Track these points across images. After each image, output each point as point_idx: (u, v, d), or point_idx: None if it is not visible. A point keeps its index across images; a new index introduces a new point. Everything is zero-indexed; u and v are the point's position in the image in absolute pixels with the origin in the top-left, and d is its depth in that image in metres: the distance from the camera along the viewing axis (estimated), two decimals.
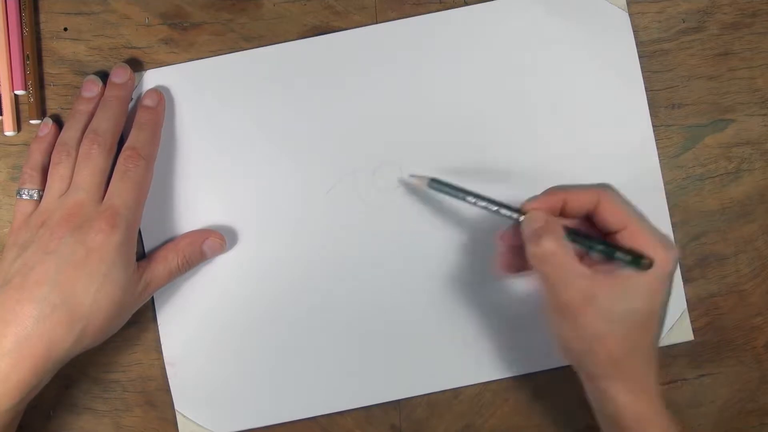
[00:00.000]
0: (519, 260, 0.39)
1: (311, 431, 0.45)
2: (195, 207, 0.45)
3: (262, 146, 0.45)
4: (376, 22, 0.45)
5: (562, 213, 0.38)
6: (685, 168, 0.46)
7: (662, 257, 0.35)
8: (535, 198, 0.38)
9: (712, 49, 0.46)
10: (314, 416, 0.45)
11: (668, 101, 0.46)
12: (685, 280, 0.45)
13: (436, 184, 0.41)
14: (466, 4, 0.46)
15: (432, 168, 0.45)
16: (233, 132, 0.45)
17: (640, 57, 0.45)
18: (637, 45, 0.45)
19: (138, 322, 0.44)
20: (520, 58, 0.45)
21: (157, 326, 0.44)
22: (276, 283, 0.45)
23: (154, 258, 0.42)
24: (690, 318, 0.45)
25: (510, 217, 0.38)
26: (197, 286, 0.44)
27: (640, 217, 0.36)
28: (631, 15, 0.46)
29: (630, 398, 0.36)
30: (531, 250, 0.36)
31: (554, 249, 0.35)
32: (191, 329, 0.44)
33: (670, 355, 0.46)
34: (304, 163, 0.45)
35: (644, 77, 0.46)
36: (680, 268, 0.45)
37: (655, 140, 0.45)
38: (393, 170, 0.45)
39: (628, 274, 0.35)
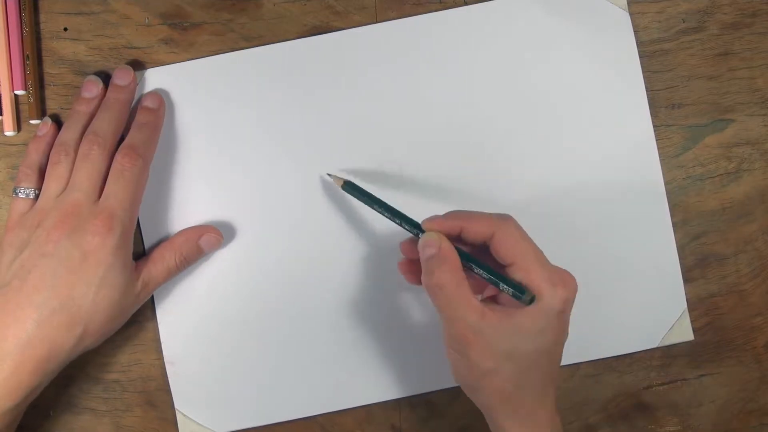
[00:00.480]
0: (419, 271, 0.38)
1: (311, 431, 0.45)
2: (195, 206, 0.45)
3: (261, 145, 0.45)
4: (376, 22, 0.45)
5: (461, 238, 0.37)
6: (685, 168, 0.46)
7: (549, 294, 0.35)
8: (433, 218, 0.38)
9: (712, 49, 0.46)
10: (314, 416, 0.45)
11: (668, 101, 0.46)
12: (685, 280, 0.45)
13: (349, 187, 0.41)
14: (465, 4, 0.46)
15: (432, 168, 0.45)
16: (233, 131, 0.45)
17: (640, 57, 0.45)
18: (637, 45, 0.45)
19: (138, 322, 0.44)
20: (520, 58, 0.45)
21: (157, 326, 0.44)
22: (276, 283, 0.45)
23: (151, 257, 0.42)
24: (690, 318, 0.45)
25: (411, 232, 0.38)
26: (197, 286, 0.44)
27: (534, 253, 0.36)
28: (631, 15, 0.46)
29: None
30: (424, 279, 0.36)
31: (446, 281, 0.35)
32: (191, 329, 0.44)
33: (670, 355, 0.46)
34: (303, 163, 0.45)
35: (644, 77, 0.46)
36: (680, 268, 0.45)
37: (655, 140, 0.45)
38: (393, 170, 0.45)
39: (516, 311, 0.35)
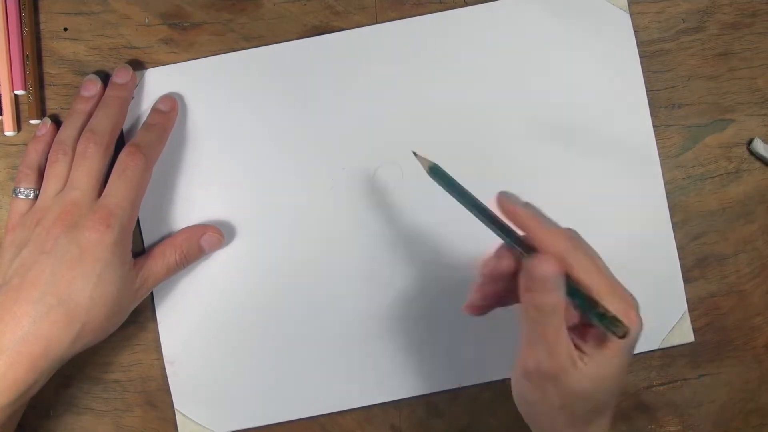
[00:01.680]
0: (495, 295, 0.35)
1: (311, 431, 0.45)
2: (194, 205, 0.45)
3: (261, 145, 0.45)
4: (376, 22, 0.45)
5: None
6: (685, 168, 0.46)
7: (633, 320, 0.32)
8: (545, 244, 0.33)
9: (712, 49, 0.46)
10: (314, 416, 0.45)
11: (668, 101, 0.46)
12: (685, 281, 0.45)
13: (435, 174, 0.36)
14: (466, 4, 0.46)
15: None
16: (233, 131, 0.45)
17: (640, 57, 0.45)
18: (637, 45, 0.45)
19: (137, 321, 0.44)
20: (520, 58, 0.45)
21: (157, 326, 0.44)
22: (276, 283, 0.45)
23: (151, 254, 0.42)
24: (690, 318, 0.45)
25: (505, 240, 0.34)
26: (197, 286, 0.45)
27: (607, 278, 0.32)
28: (631, 15, 0.46)
29: None
30: (537, 299, 0.31)
31: (557, 308, 0.31)
32: (191, 328, 0.44)
33: (670, 355, 0.46)
34: (303, 163, 0.45)
35: (644, 77, 0.46)
36: (680, 268, 0.45)
37: (655, 140, 0.45)
38: (393, 170, 0.45)
39: (602, 357, 0.32)
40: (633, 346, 0.33)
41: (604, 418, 0.35)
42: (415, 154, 0.37)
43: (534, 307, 0.32)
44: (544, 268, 0.31)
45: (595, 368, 0.32)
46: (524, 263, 0.32)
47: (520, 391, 0.35)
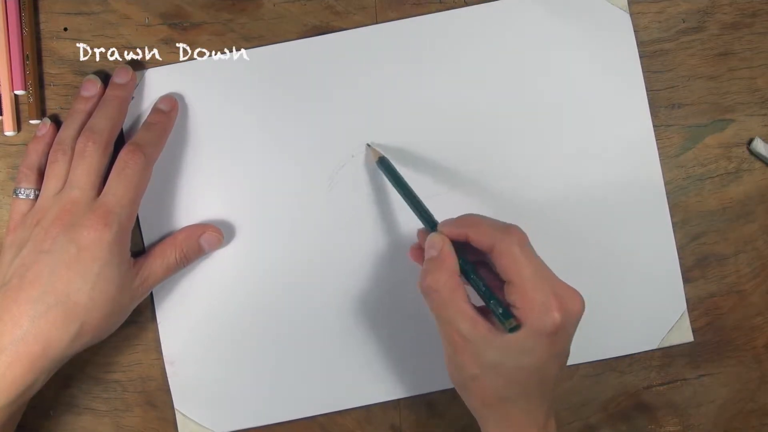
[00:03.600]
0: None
1: (311, 431, 0.45)
2: (195, 204, 0.45)
3: (261, 145, 0.45)
4: (376, 22, 0.45)
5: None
6: (685, 168, 0.46)
7: (539, 318, 0.34)
8: (446, 222, 0.38)
9: (712, 49, 0.46)
10: (314, 416, 0.45)
11: (668, 101, 0.46)
12: (685, 280, 0.45)
13: (382, 165, 0.42)
14: (466, 4, 0.46)
15: (432, 167, 0.45)
16: (233, 131, 0.45)
17: (640, 57, 0.45)
18: (637, 45, 0.45)
19: (137, 321, 0.44)
20: (520, 58, 0.45)
21: (157, 326, 0.44)
22: (276, 283, 0.45)
23: (151, 253, 0.42)
24: (690, 318, 0.45)
25: (426, 227, 0.39)
26: (197, 286, 0.44)
27: (534, 273, 0.35)
28: (631, 15, 0.46)
29: None
30: (420, 280, 0.36)
31: (440, 285, 0.35)
32: (191, 329, 0.44)
33: (670, 355, 0.46)
34: (303, 162, 0.45)
35: (644, 77, 0.46)
36: (680, 268, 0.45)
37: (655, 140, 0.45)
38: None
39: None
40: (550, 338, 0.34)
41: (525, 402, 0.36)
42: (368, 145, 0.44)
43: (419, 286, 0.37)
44: (432, 240, 0.37)
45: (504, 341, 0.34)
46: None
47: (447, 368, 0.38)
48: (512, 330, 0.34)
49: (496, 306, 0.35)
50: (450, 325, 0.35)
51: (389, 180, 0.42)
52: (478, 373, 0.35)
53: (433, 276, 0.36)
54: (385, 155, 0.43)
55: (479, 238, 0.36)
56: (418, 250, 0.41)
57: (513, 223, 0.36)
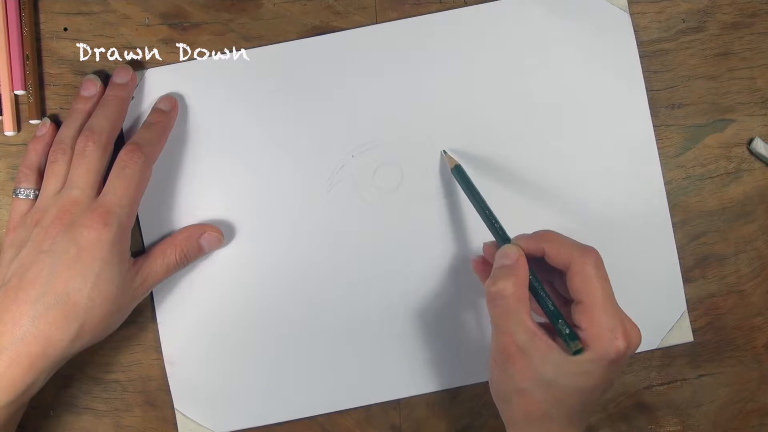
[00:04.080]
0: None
1: (311, 431, 0.45)
2: (195, 204, 0.45)
3: (261, 145, 0.45)
4: (376, 22, 0.45)
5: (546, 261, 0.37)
6: (685, 168, 0.46)
7: (605, 343, 0.34)
8: (524, 236, 0.38)
9: (712, 49, 0.46)
10: (314, 416, 0.45)
11: (668, 101, 0.46)
12: (685, 280, 0.45)
13: (458, 173, 0.42)
14: (466, 4, 0.46)
15: (432, 168, 0.45)
16: (232, 131, 0.45)
17: (640, 57, 0.45)
18: (637, 45, 0.45)
19: (137, 321, 0.44)
20: (520, 58, 0.45)
21: (157, 326, 0.44)
22: (276, 283, 0.45)
23: (151, 253, 0.42)
24: (690, 318, 0.45)
25: (497, 240, 0.39)
26: (197, 286, 0.45)
27: (603, 297, 0.35)
28: (631, 15, 0.46)
29: None
30: (487, 284, 0.36)
31: (508, 293, 0.35)
32: (191, 329, 0.44)
33: (670, 355, 0.46)
34: (303, 163, 0.45)
35: (644, 77, 0.46)
36: (680, 268, 0.45)
37: (656, 140, 0.45)
38: (393, 170, 0.45)
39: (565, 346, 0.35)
40: (610, 365, 0.34)
41: (567, 421, 0.36)
42: (444, 152, 0.44)
43: (485, 292, 0.36)
44: (506, 250, 0.37)
45: (562, 360, 0.34)
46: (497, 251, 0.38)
47: (490, 374, 0.38)
48: (576, 353, 0.34)
49: (564, 326, 0.35)
50: (509, 334, 0.35)
51: (463, 189, 0.42)
52: (527, 386, 0.35)
53: (503, 283, 0.36)
54: (461, 163, 0.43)
55: (557, 254, 0.36)
56: (482, 264, 0.41)
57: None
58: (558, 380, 0.34)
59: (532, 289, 0.36)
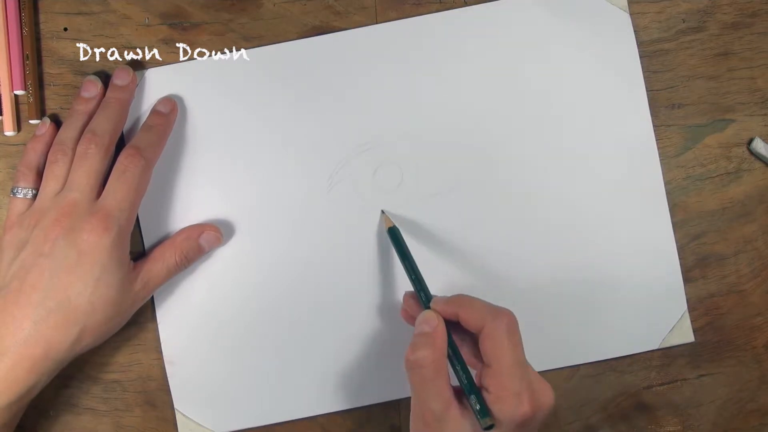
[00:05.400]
0: None
1: (311, 431, 0.45)
2: (194, 206, 0.45)
3: (261, 145, 0.45)
4: (376, 22, 0.45)
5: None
6: (685, 168, 0.46)
7: (511, 409, 0.34)
8: (439, 299, 0.38)
9: (712, 49, 0.46)
10: (314, 416, 0.45)
11: (668, 101, 0.46)
12: (685, 280, 0.45)
13: (392, 233, 0.42)
14: (466, 4, 0.46)
15: (432, 168, 0.45)
16: (232, 131, 0.45)
17: (640, 57, 0.45)
18: (637, 45, 0.45)
19: (138, 322, 0.44)
20: (520, 58, 0.45)
21: (157, 326, 0.44)
22: (276, 283, 0.45)
23: (151, 256, 0.42)
24: (690, 318, 0.45)
25: (420, 298, 0.39)
26: (197, 286, 0.44)
27: (513, 360, 0.35)
28: (631, 15, 0.46)
29: None
30: (408, 352, 0.36)
31: (426, 363, 0.35)
32: (191, 329, 0.44)
33: (670, 355, 0.46)
34: (303, 163, 0.45)
35: (644, 77, 0.46)
36: (680, 268, 0.45)
37: (656, 140, 0.45)
38: (393, 170, 0.45)
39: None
40: (518, 429, 0.34)
41: None
42: (383, 212, 0.44)
43: (405, 359, 0.36)
44: (426, 316, 0.37)
45: (471, 428, 0.35)
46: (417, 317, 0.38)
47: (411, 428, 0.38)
48: (487, 429, 0.34)
49: (475, 402, 0.35)
50: (425, 402, 0.35)
51: (395, 248, 0.42)
52: None
53: (422, 352, 0.36)
54: (398, 226, 0.43)
55: (469, 319, 0.36)
56: (408, 314, 0.41)
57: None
58: None
59: (449, 359, 0.36)
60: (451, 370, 0.36)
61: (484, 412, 0.34)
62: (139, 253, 0.44)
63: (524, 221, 0.45)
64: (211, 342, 0.44)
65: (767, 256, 0.46)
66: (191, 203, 0.45)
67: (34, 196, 0.41)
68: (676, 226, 0.46)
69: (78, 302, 0.38)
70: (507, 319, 0.35)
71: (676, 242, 0.45)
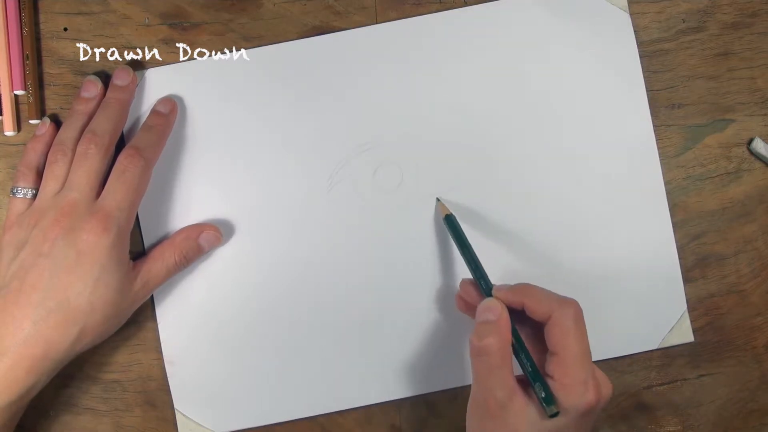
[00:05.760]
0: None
1: (311, 431, 0.45)
2: (194, 205, 0.45)
3: (260, 145, 0.45)
4: (376, 22, 0.45)
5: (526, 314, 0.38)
6: (685, 168, 0.46)
7: (577, 397, 0.34)
8: (502, 287, 0.38)
9: (712, 49, 0.46)
10: (314, 416, 0.45)
11: (668, 101, 0.46)
12: (685, 280, 0.45)
13: (448, 222, 0.42)
14: (466, 4, 0.46)
15: (432, 168, 0.45)
16: (232, 131, 0.45)
17: (640, 57, 0.45)
18: (637, 45, 0.45)
19: (138, 321, 0.44)
20: (520, 58, 0.45)
21: (157, 326, 0.44)
22: (276, 283, 0.45)
23: (151, 256, 0.42)
24: (690, 318, 0.45)
25: (480, 286, 0.40)
26: (197, 286, 0.44)
27: (579, 350, 0.35)
28: (631, 15, 0.46)
29: None
30: (472, 340, 0.37)
31: (492, 351, 0.35)
32: (191, 329, 0.44)
33: (670, 355, 0.46)
34: (303, 163, 0.45)
35: (644, 77, 0.46)
36: (680, 268, 0.45)
37: (656, 140, 0.45)
38: (393, 170, 0.45)
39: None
40: (581, 418, 0.35)
41: None
42: (438, 200, 0.44)
43: (470, 345, 0.36)
44: (490, 305, 0.37)
45: (534, 417, 0.35)
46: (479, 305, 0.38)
47: (467, 424, 0.38)
48: (553, 416, 0.34)
49: (540, 390, 0.35)
50: (489, 390, 0.35)
51: (452, 236, 0.42)
52: None
53: (488, 340, 0.36)
54: (454, 213, 0.43)
55: (536, 307, 0.36)
56: (463, 302, 0.42)
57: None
58: None
59: (513, 348, 0.37)
60: (514, 360, 0.37)
61: (550, 399, 0.35)
62: (138, 253, 0.44)
63: (524, 221, 0.45)
64: (211, 342, 0.44)
65: (767, 256, 0.46)
66: (191, 203, 0.45)
67: (34, 196, 0.41)
68: (676, 226, 0.46)
69: (77, 302, 0.38)
70: (574, 308, 0.36)
71: (676, 242, 0.45)
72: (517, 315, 0.38)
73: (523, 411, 0.35)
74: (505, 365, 0.36)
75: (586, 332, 0.36)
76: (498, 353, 0.36)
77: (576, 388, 0.34)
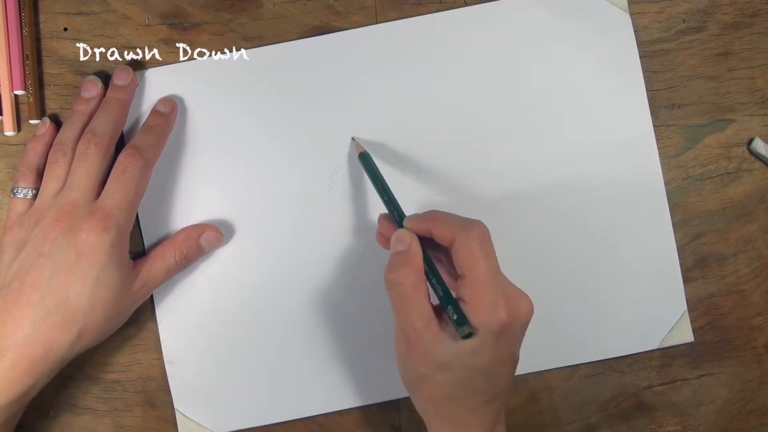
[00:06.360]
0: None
1: (311, 431, 0.45)
2: (194, 205, 0.45)
3: (261, 145, 0.45)
4: (376, 22, 0.45)
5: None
6: (685, 168, 0.46)
7: (484, 317, 0.34)
8: (412, 217, 0.38)
9: (712, 49, 0.46)
10: (314, 416, 0.45)
11: (668, 101, 0.46)
12: (685, 280, 0.45)
13: (364, 159, 0.42)
14: (466, 4, 0.46)
15: (432, 168, 0.45)
16: (232, 131, 0.45)
17: (640, 57, 0.45)
18: (637, 45, 0.45)
19: (137, 321, 0.44)
20: (520, 58, 0.45)
21: (157, 326, 0.44)
22: (276, 283, 0.45)
23: (151, 256, 0.42)
24: (690, 318, 0.45)
25: (394, 219, 0.39)
26: (197, 286, 0.45)
27: (487, 270, 0.35)
28: (631, 15, 0.46)
29: None
30: (386, 272, 0.37)
31: (404, 280, 0.36)
32: (191, 329, 0.44)
33: (670, 355, 0.46)
34: (303, 163, 0.45)
35: (644, 77, 0.46)
36: (680, 268, 0.45)
37: (656, 140, 0.45)
38: (393, 170, 0.45)
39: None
40: (497, 338, 0.35)
41: (473, 402, 0.36)
42: (353, 139, 0.44)
43: (385, 278, 0.36)
44: (400, 235, 0.37)
45: (450, 340, 0.35)
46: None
47: (398, 366, 0.38)
48: (466, 337, 0.34)
49: (452, 311, 0.35)
50: (407, 321, 0.36)
51: (367, 174, 0.42)
52: (427, 372, 0.36)
53: (399, 271, 0.36)
54: (368, 151, 0.43)
55: (441, 233, 0.36)
56: (383, 237, 0.41)
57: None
58: (452, 363, 0.35)
59: (426, 275, 0.37)
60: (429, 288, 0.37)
61: (462, 321, 0.34)
62: (138, 253, 0.44)
63: (523, 221, 0.45)
64: (211, 342, 0.44)
65: (767, 256, 0.46)
66: (191, 203, 0.45)
67: (34, 196, 0.41)
68: (676, 226, 0.46)
69: (77, 302, 0.38)
70: (478, 229, 0.36)
71: (676, 242, 0.45)
72: (434, 243, 0.37)
73: (440, 336, 0.35)
74: (418, 294, 0.35)
75: (493, 252, 0.36)
76: (409, 283, 0.36)
77: (486, 308, 0.34)
